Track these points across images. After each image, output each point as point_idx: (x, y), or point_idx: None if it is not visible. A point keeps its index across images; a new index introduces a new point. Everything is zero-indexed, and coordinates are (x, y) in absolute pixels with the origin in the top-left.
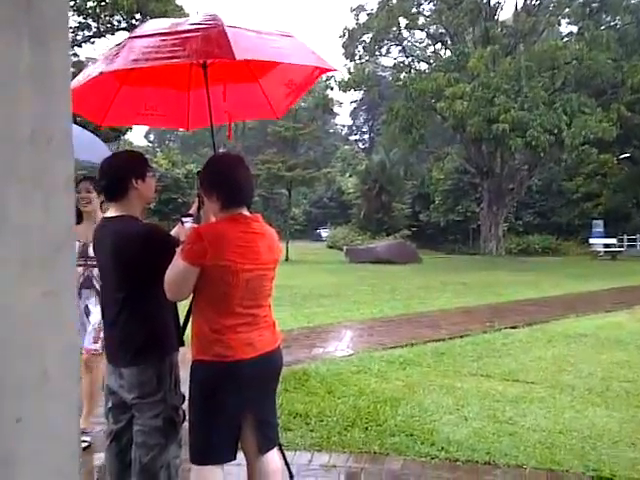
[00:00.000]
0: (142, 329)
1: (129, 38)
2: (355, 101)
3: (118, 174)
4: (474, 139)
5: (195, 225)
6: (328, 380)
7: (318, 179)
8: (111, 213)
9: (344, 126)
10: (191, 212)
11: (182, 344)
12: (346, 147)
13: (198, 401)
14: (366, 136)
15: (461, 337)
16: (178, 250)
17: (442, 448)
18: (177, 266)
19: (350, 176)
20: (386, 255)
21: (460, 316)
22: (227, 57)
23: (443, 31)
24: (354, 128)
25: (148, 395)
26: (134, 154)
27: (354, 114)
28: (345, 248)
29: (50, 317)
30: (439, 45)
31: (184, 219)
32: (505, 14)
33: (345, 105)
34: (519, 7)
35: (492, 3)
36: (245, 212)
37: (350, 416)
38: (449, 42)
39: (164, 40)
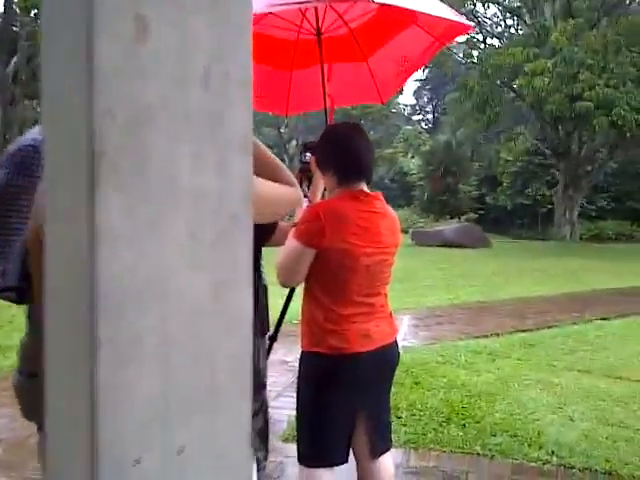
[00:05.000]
0: None
1: None
2: (419, 80)
3: None
4: (553, 118)
5: (309, 203)
6: (413, 370)
7: (381, 159)
8: None
9: (407, 105)
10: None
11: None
12: (409, 127)
13: (308, 396)
14: (430, 116)
15: (549, 328)
16: (292, 230)
17: (552, 452)
18: (291, 247)
19: (412, 157)
20: (454, 238)
21: (544, 305)
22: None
23: (519, 4)
24: (417, 108)
25: None
26: None
27: (418, 93)
28: (411, 231)
29: (220, 311)
30: (515, 20)
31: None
32: None
33: (408, 83)
34: None
35: None
36: (365, 188)
37: (444, 411)
38: (527, 16)
39: None
